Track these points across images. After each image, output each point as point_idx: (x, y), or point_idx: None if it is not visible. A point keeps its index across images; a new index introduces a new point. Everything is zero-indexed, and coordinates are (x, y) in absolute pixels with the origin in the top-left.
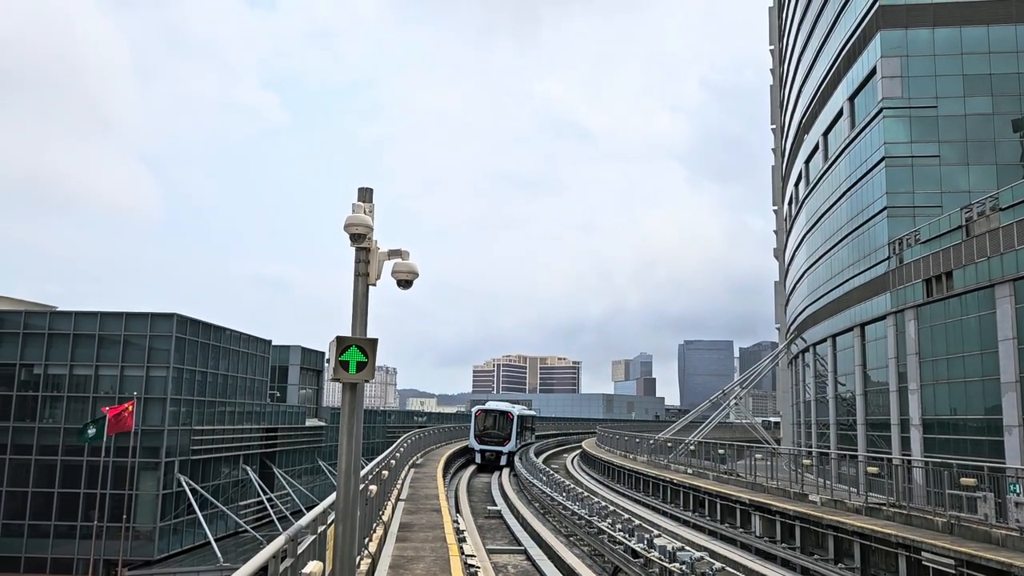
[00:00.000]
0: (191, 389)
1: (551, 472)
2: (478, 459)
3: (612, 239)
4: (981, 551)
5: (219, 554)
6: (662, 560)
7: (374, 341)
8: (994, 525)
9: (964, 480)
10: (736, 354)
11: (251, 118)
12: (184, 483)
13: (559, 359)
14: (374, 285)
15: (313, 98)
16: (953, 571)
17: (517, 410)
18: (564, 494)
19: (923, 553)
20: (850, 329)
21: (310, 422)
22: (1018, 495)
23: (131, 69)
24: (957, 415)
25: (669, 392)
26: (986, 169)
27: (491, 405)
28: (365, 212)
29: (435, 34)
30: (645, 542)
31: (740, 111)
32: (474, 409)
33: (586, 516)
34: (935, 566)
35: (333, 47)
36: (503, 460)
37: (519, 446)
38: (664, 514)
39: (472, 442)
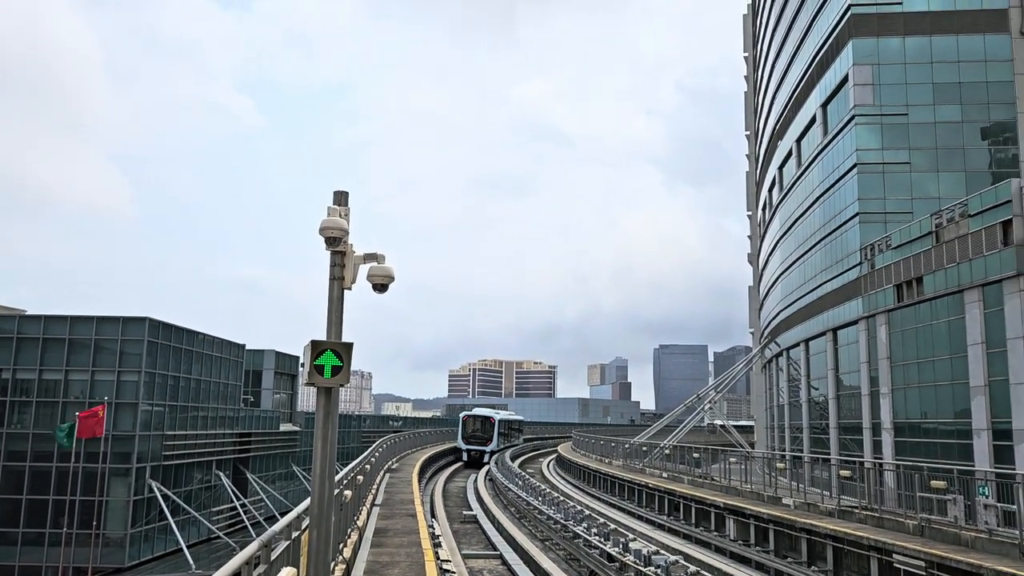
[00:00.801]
0: (163, 394)
1: (527, 477)
2: (465, 457)
3: (589, 243)
4: (951, 553)
5: (191, 561)
6: (637, 564)
7: (349, 345)
8: (963, 527)
9: (934, 483)
10: (711, 358)
11: (227, 119)
12: (156, 489)
13: (535, 363)
14: (349, 289)
15: (289, 99)
16: (924, 573)
17: (502, 415)
18: (540, 499)
19: (894, 555)
20: (823, 333)
21: (284, 427)
22: (986, 497)
23: (104, 69)
24: (927, 419)
25: (644, 396)
26: (955, 176)
27: (476, 411)
28: (340, 215)
29: (413, 35)
30: (620, 546)
31: (716, 116)
32: (461, 414)
33: (562, 520)
34: (906, 568)
35: (309, 48)
36: (486, 458)
37: (500, 446)
38: (639, 518)
39: (459, 442)
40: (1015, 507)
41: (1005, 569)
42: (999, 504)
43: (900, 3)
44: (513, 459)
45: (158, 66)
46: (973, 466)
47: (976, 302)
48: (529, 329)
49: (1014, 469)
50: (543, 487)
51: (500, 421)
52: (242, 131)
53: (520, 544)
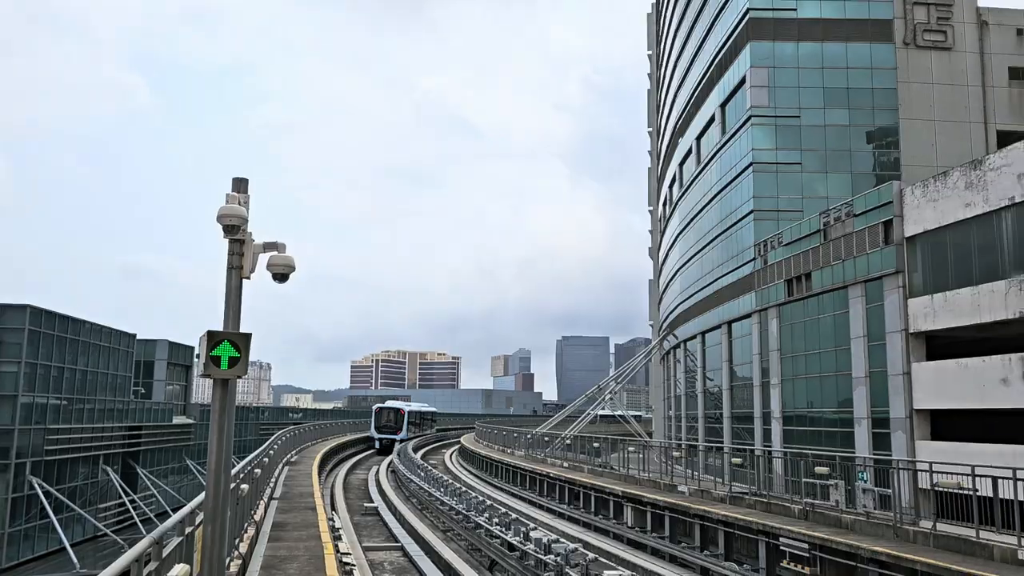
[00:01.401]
0: (45, 386)
1: (429, 468)
2: (377, 445)
3: (496, 235)
4: (832, 535)
5: (75, 560)
6: (538, 552)
7: (247, 336)
8: (844, 511)
9: (818, 469)
10: (612, 350)
11: (120, 99)
12: (36, 486)
13: (439, 354)
14: (248, 278)
15: (188, 79)
16: (807, 554)
17: (413, 407)
18: (442, 490)
19: (781, 538)
20: (718, 326)
21: (178, 420)
22: (865, 482)
23: None
24: (813, 408)
25: (547, 387)
26: (843, 177)
27: (388, 404)
28: (240, 203)
29: (318, 16)
30: (521, 535)
31: (621, 112)
32: (374, 407)
33: (464, 511)
34: (791, 551)
35: (208, 25)
36: (396, 446)
37: (410, 435)
38: (541, 507)
39: (372, 432)
40: (890, 491)
41: (880, 549)
42: (876, 488)
43: (795, 9)
44: (416, 450)
45: (41, 38)
46: (854, 453)
47: (859, 297)
48: (434, 321)
49: (890, 455)
50: (445, 478)
51: (410, 412)
52: (135, 110)
53: (422, 535)
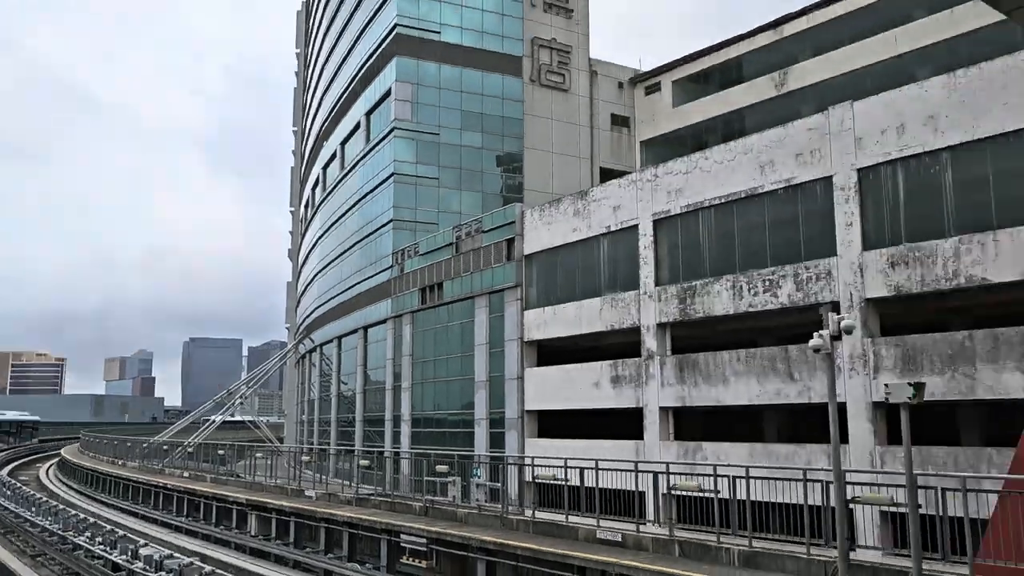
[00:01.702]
0: None
1: (17, 485)
2: None
3: (116, 224)
4: (448, 528)
5: None
6: (147, 570)
7: None
8: (460, 505)
9: (439, 467)
10: (245, 353)
11: None
12: None
13: (38, 355)
14: None
15: None
16: (425, 548)
17: (9, 415)
18: (33, 509)
19: (402, 535)
20: (355, 331)
21: None
22: (479, 478)
23: None
24: (440, 410)
25: (171, 392)
26: (475, 195)
27: None
28: None
29: None
30: (129, 553)
31: (266, 106)
32: None
33: (60, 532)
34: (411, 546)
35: None
36: None
37: (3, 447)
38: (157, 522)
39: None
40: (499, 484)
41: (487, 538)
42: (489, 483)
43: (439, 32)
44: (3, 465)
45: None
46: (474, 451)
47: (484, 307)
48: (34, 317)
49: (504, 452)
50: (38, 495)
51: (1, 422)
52: None
53: (4, 564)
